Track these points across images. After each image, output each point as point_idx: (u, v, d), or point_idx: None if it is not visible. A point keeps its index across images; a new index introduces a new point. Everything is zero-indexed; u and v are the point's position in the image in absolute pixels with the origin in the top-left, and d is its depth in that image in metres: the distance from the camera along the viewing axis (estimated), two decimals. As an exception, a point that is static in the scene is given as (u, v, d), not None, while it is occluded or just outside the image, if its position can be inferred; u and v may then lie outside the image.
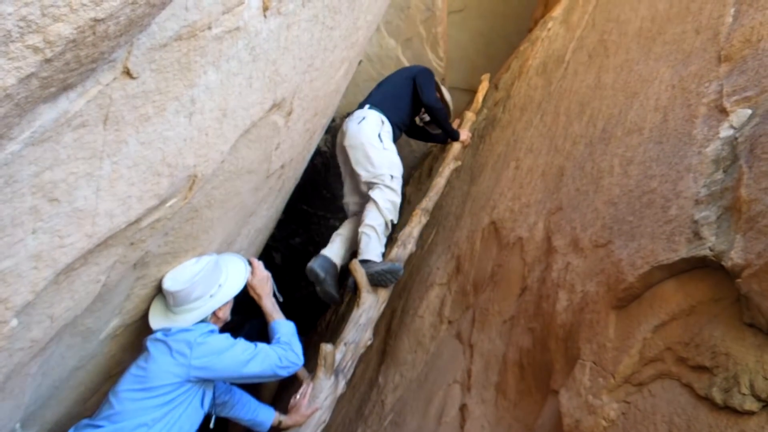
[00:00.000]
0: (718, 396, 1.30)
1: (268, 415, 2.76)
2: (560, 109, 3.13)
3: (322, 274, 3.45)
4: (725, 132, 1.74)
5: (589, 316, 1.90)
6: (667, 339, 1.55)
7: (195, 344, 2.28)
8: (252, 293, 2.71)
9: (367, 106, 3.76)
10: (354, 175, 3.71)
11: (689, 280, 1.58)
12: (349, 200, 3.87)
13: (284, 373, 2.52)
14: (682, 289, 1.59)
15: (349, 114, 3.80)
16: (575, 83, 3.14)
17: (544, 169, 2.93)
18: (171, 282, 2.36)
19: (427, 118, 4.29)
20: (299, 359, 2.57)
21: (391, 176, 3.53)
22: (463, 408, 2.53)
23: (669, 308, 1.59)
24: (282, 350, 2.51)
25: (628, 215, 1.96)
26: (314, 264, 3.46)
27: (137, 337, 2.53)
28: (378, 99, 3.83)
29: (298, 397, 2.84)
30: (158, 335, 2.33)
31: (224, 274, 2.56)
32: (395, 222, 3.58)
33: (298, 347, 2.60)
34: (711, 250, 1.48)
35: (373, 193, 3.49)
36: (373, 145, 3.57)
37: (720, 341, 1.37)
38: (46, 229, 1.27)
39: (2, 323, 1.33)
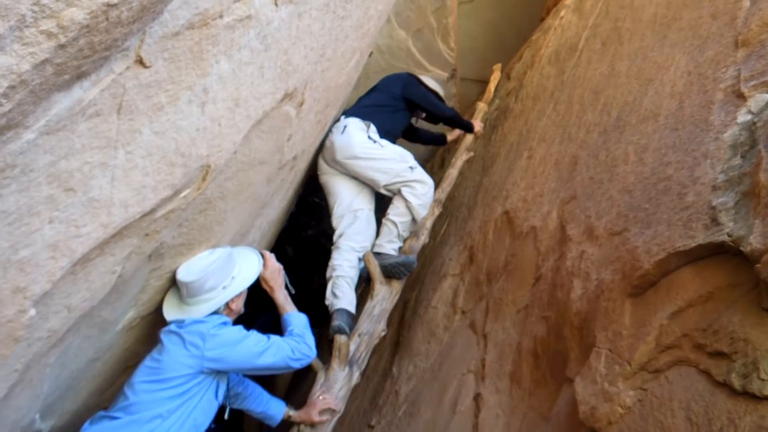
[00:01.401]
0: (736, 382, 1.28)
1: (279, 408, 2.77)
2: (573, 98, 3.11)
3: (348, 329, 3.14)
4: (743, 117, 1.71)
5: (605, 304, 1.89)
6: (684, 326, 1.54)
7: (208, 336, 2.29)
8: (264, 285, 2.72)
9: (343, 116, 3.56)
10: (360, 185, 3.56)
11: (706, 266, 1.56)
12: (346, 213, 3.53)
13: (297, 365, 2.53)
14: (700, 276, 1.57)
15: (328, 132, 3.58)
16: (589, 71, 3.11)
17: (557, 159, 2.91)
18: (184, 273, 2.37)
19: (422, 115, 4.16)
20: (312, 351, 2.57)
21: (410, 167, 3.50)
22: (477, 397, 2.53)
23: (686, 295, 1.58)
24: (295, 342, 2.51)
25: (644, 202, 1.94)
26: (341, 323, 3.09)
27: (153, 329, 2.55)
28: (355, 110, 3.64)
29: (316, 395, 2.84)
30: (172, 327, 2.34)
31: (237, 266, 2.57)
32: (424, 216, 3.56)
33: (310, 339, 2.61)
34: (729, 235, 1.46)
35: (405, 192, 3.45)
36: (370, 150, 3.43)
37: (738, 327, 1.35)
38: (63, 219, 1.28)
39: (21, 312, 1.34)
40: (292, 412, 2.77)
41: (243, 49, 1.61)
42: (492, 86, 4.63)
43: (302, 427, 2.74)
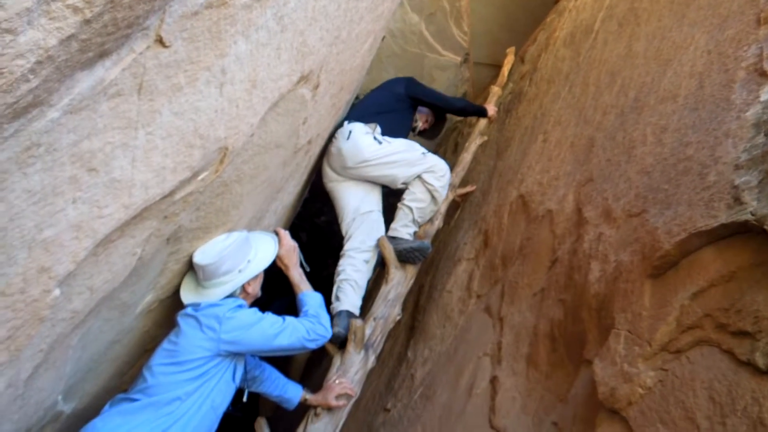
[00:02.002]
0: (761, 361, 1.28)
1: (296, 391, 2.79)
2: (589, 80, 3.07)
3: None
4: (766, 95, 1.69)
5: (624, 285, 1.88)
6: (706, 306, 1.52)
7: (224, 319, 2.31)
8: (279, 264, 2.73)
9: (346, 121, 3.50)
10: (366, 188, 3.53)
11: (729, 246, 1.55)
12: (355, 217, 3.48)
13: (312, 346, 2.54)
14: (722, 256, 1.55)
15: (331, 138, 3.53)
16: (605, 53, 3.07)
17: (573, 141, 2.89)
18: (200, 256, 2.38)
19: (426, 123, 4.12)
20: (327, 331, 2.58)
21: (422, 153, 3.49)
22: (493, 380, 2.53)
23: (708, 275, 1.56)
24: (310, 323, 2.52)
25: (663, 183, 1.92)
26: (339, 328, 3.03)
27: (171, 312, 2.57)
28: (357, 114, 3.57)
29: (333, 379, 2.85)
30: (188, 310, 2.37)
31: (254, 249, 2.58)
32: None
33: (326, 319, 2.62)
34: (752, 214, 1.45)
35: (426, 177, 3.45)
36: (379, 150, 3.39)
37: (763, 306, 1.34)
38: (86, 199, 1.29)
39: (46, 292, 1.36)
40: (308, 396, 2.79)
41: (260, 30, 1.61)
42: (506, 70, 4.59)
43: (319, 410, 2.76)
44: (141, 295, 2.31)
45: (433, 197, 3.47)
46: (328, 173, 3.54)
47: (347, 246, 3.37)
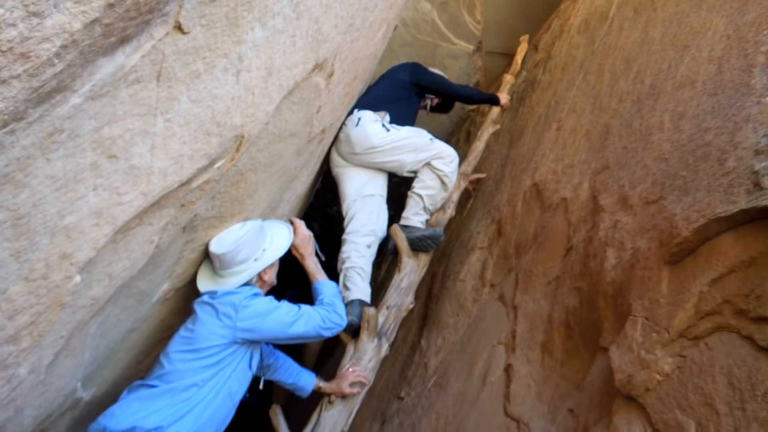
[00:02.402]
0: (781, 346, 1.27)
1: (309, 379, 2.81)
2: (605, 67, 3.05)
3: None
4: (787, 79, 1.67)
5: (641, 272, 1.87)
6: (725, 292, 1.51)
7: (240, 307, 2.33)
8: (295, 253, 2.74)
9: (356, 109, 3.51)
10: (371, 173, 3.54)
11: (748, 231, 1.53)
12: (357, 198, 3.50)
13: (328, 334, 2.56)
14: (741, 241, 1.54)
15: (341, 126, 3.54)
16: (620, 40, 3.04)
17: (588, 129, 2.87)
18: (217, 245, 2.40)
19: (434, 101, 4.11)
20: (342, 320, 2.60)
21: (430, 139, 3.49)
22: (508, 368, 2.53)
23: (727, 261, 1.55)
24: (325, 311, 2.54)
25: (681, 170, 1.90)
26: (353, 317, 3.02)
27: (187, 301, 2.59)
28: (366, 102, 3.58)
29: (346, 367, 2.86)
30: (205, 298, 2.39)
31: (269, 238, 2.60)
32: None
33: (341, 308, 2.63)
34: (773, 199, 1.43)
35: (435, 163, 3.44)
36: (387, 137, 3.40)
37: (783, 291, 1.33)
38: (106, 186, 1.30)
39: (67, 278, 1.37)
40: (322, 383, 2.81)
41: (276, 16, 1.61)
42: (519, 58, 4.56)
43: (332, 397, 2.77)
44: (158, 283, 2.33)
45: (443, 183, 3.45)
46: (336, 159, 3.57)
47: (349, 228, 3.37)
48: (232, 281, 2.45)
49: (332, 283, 2.74)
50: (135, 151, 1.33)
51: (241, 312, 2.33)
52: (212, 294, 2.40)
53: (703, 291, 1.58)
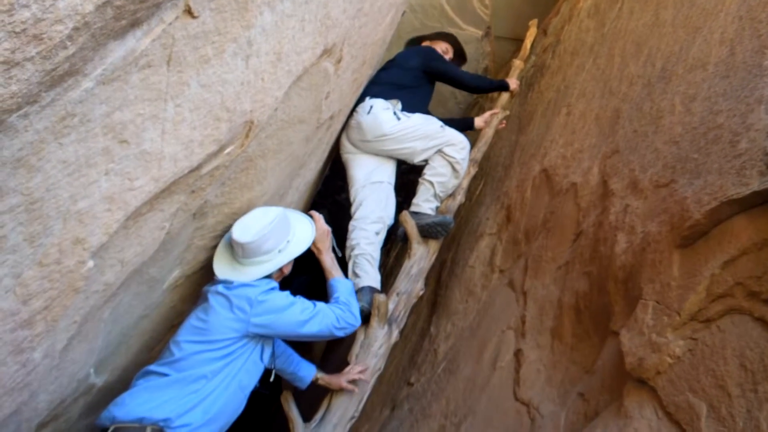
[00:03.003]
0: (794, 327, 1.26)
1: (309, 370, 2.81)
2: (615, 51, 3.02)
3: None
4: (801, 60, 1.65)
5: (651, 256, 1.87)
6: (738, 274, 1.51)
7: (255, 302, 2.30)
8: (312, 248, 2.70)
9: (367, 97, 3.49)
10: (380, 159, 3.53)
11: (761, 213, 1.52)
12: (365, 184, 3.48)
13: (340, 334, 2.53)
14: (754, 224, 1.53)
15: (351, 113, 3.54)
16: (631, 23, 3.01)
17: (597, 113, 2.85)
18: (241, 233, 2.36)
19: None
20: (357, 320, 2.58)
21: (441, 126, 3.48)
22: (518, 353, 2.54)
23: (739, 243, 1.54)
24: (340, 311, 2.51)
25: (693, 153, 1.89)
26: (364, 303, 3.00)
27: (197, 288, 2.61)
28: (378, 90, 3.55)
29: (351, 362, 2.86)
30: (219, 288, 2.35)
31: (292, 229, 2.56)
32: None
33: (356, 308, 2.60)
34: (786, 181, 1.42)
35: (447, 150, 3.44)
36: (398, 125, 3.40)
37: (796, 273, 1.32)
38: (118, 171, 1.31)
39: (80, 263, 1.38)
40: (321, 375, 2.80)
41: (285, 1, 1.60)
42: (528, 43, 4.52)
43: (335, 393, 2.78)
44: (168, 270, 2.35)
45: (454, 170, 3.45)
46: (346, 145, 3.57)
47: (357, 214, 3.37)
48: (253, 272, 2.41)
49: (348, 282, 2.72)
50: (146, 137, 1.34)
51: (256, 308, 2.30)
52: (228, 284, 2.36)
53: (714, 274, 1.58)
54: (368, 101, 3.44)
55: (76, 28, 0.85)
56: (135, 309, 2.31)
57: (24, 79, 0.83)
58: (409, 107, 3.54)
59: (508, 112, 4.09)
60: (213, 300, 2.33)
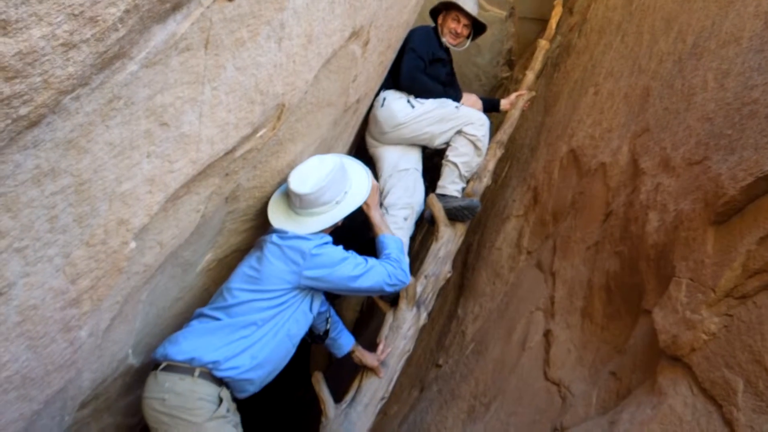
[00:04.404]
0: (833, 301, 1.25)
1: (348, 340, 2.85)
2: (643, 28, 2.98)
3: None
4: (839, 32, 1.61)
5: (685, 234, 1.85)
6: (775, 250, 1.50)
7: (309, 255, 2.31)
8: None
9: (382, 90, 3.51)
10: (406, 147, 3.54)
11: (799, 188, 1.51)
12: (392, 173, 3.48)
13: (390, 290, 2.55)
14: (791, 198, 1.52)
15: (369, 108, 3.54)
16: (660, -1, 2.97)
17: (626, 92, 2.82)
18: (299, 184, 2.35)
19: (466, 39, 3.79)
20: (407, 277, 2.59)
21: (456, 107, 3.47)
22: (547, 333, 2.54)
23: (776, 219, 1.53)
24: (392, 267, 2.52)
25: (727, 129, 1.87)
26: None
27: (228, 272, 2.65)
28: (390, 80, 3.53)
29: (382, 347, 2.88)
30: (274, 238, 2.36)
31: (349, 180, 2.54)
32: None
33: (406, 265, 2.61)
34: (825, 154, 1.40)
35: (467, 129, 3.43)
36: (412, 112, 3.41)
37: (835, 247, 1.31)
38: (159, 153, 1.34)
39: (124, 244, 1.43)
40: (359, 348, 2.83)
41: (316, -17, 1.62)
42: (553, 22, 4.47)
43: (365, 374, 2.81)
44: (202, 253, 2.39)
45: (476, 147, 3.44)
46: (369, 141, 3.64)
47: (385, 202, 3.39)
48: (310, 224, 2.40)
49: (398, 238, 2.71)
50: (185, 119, 1.36)
51: (310, 261, 2.31)
52: (282, 234, 2.36)
53: (750, 249, 1.56)
54: (381, 94, 3.49)
55: (127, 11, 0.87)
56: (170, 291, 2.36)
57: (80, 60, 0.86)
58: (423, 93, 3.53)
59: (534, 93, 4.06)
60: (267, 250, 2.34)
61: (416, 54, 3.47)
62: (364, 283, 2.42)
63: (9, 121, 0.83)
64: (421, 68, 3.49)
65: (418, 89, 3.48)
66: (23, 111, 0.84)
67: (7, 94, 0.80)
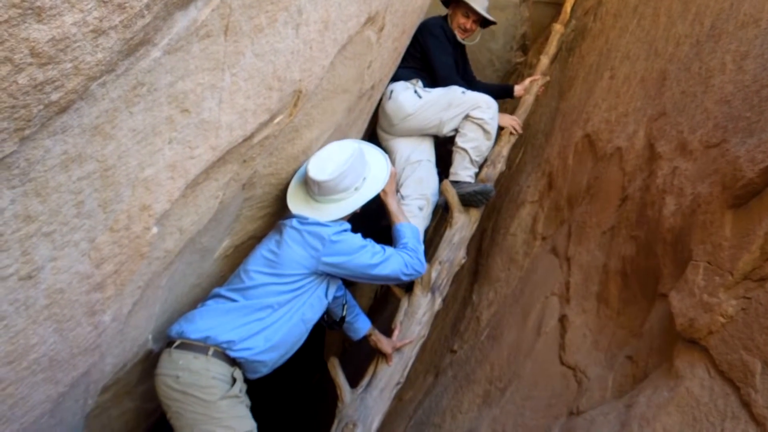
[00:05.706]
0: None
1: (365, 323, 2.86)
2: (660, 11, 2.95)
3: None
4: None
5: (702, 217, 1.85)
6: (794, 232, 1.49)
7: (328, 242, 2.33)
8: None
9: (390, 82, 3.52)
10: (418, 139, 3.58)
11: (819, 170, 1.50)
12: (405, 166, 3.51)
13: (406, 279, 2.57)
14: (810, 181, 1.51)
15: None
16: (677, -19, 2.93)
17: (643, 76, 2.80)
18: (317, 171, 2.36)
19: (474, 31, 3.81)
20: (423, 266, 2.61)
21: (462, 92, 3.46)
22: (563, 318, 2.55)
23: (795, 201, 1.52)
24: (409, 256, 2.53)
25: (745, 111, 1.85)
26: None
27: (244, 259, 2.67)
28: (397, 73, 3.52)
29: (397, 332, 2.90)
30: (294, 223, 2.38)
31: (368, 166, 2.54)
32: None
33: (422, 254, 2.63)
34: None
35: (474, 113, 3.41)
36: (419, 102, 3.43)
37: None
38: (180, 140, 1.36)
39: (146, 230, 1.45)
40: (375, 332, 2.84)
41: (333, -32, 1.62)
42: (568, 6, 4.43)
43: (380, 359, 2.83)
44: (219, 240, 2.42)
45: (485, 131, 3.42)
46: (380, 134, 3.66)
47: (399, 194, 3.41)
48: (329, 211, 2.42)
49: (414, 227, 2.72)
50: (205, 106, 1.38)
51: (329, 247, 2.33)
52: (302, 219, 2.38)
53: (769, 232, 1.56)
54: (389, 87, 3.50)
55: (152, -3, 0.89)
56: (188, 277, 2.39)
57: (108, 47, 0.88)
58: (430, 83, 3.56)
59: (548, 78, 4.03)
60: (287, 234, 2.36)
61: (445, 51, 3.59)
62: (382, 271, 2.44)
63: (41, 107, 0.85)
64: (456, 71, 3.61)
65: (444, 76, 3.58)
66: (54, 97, 0.86)
67: (40, 80, 0.82)
